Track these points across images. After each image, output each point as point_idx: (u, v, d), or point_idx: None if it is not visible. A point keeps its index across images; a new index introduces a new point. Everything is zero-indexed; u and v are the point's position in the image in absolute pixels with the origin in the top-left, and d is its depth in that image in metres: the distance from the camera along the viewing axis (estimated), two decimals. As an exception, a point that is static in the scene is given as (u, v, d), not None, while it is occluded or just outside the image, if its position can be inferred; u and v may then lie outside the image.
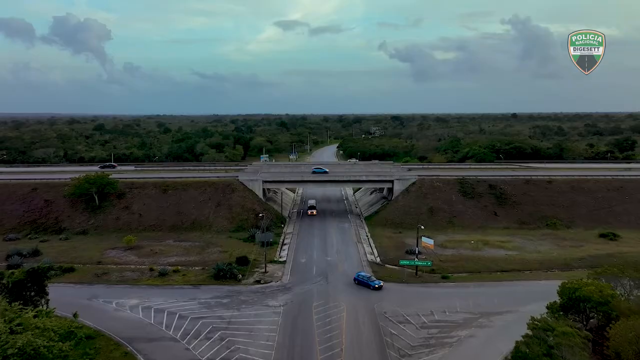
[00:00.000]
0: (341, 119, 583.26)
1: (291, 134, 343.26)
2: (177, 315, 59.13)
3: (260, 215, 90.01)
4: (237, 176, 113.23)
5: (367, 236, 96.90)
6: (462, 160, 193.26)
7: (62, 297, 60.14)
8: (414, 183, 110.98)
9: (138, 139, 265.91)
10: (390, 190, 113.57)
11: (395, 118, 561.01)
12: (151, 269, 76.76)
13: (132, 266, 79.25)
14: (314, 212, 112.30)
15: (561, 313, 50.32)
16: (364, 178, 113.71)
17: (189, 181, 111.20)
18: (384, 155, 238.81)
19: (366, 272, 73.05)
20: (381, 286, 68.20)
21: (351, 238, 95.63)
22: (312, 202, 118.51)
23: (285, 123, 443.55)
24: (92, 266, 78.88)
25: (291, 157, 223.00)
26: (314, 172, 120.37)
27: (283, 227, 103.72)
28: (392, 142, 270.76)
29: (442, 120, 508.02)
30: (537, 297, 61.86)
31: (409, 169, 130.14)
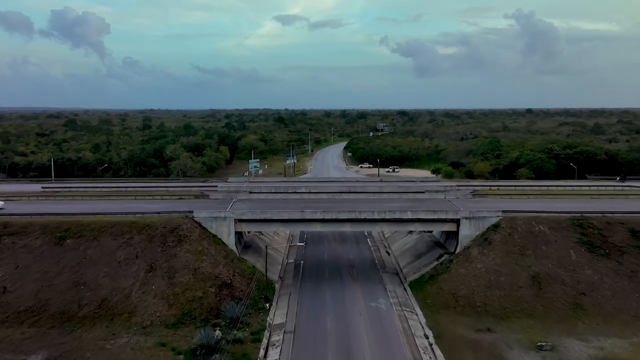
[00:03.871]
0: (344, 114, 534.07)
1: (290, 132, 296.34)
2: None
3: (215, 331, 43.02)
4: (192, 212, 65.77)
5: (427, 340, 50.11)
6: (509, 169, 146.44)
7: None
8: (496, 225, 63.92)
9: (104, 137, 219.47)
10: (453, 234, 66.83)
11: (403, 113, 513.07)
12: None
13: None
14: None
15: None
16: (409, 216, 65.74)
17: (106, 221, 63.56)
18: (403, 159, 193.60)
19: None
20: None
21: (399, 344, 48.89)
22: None
23: (283, 118, 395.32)
24: None
25: (288, 161, 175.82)
26: None
27: (269, 311, 57.05)
28: (408, 142, 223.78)
29: (451, 115, 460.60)
30: None
31: (473, 193, 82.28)
